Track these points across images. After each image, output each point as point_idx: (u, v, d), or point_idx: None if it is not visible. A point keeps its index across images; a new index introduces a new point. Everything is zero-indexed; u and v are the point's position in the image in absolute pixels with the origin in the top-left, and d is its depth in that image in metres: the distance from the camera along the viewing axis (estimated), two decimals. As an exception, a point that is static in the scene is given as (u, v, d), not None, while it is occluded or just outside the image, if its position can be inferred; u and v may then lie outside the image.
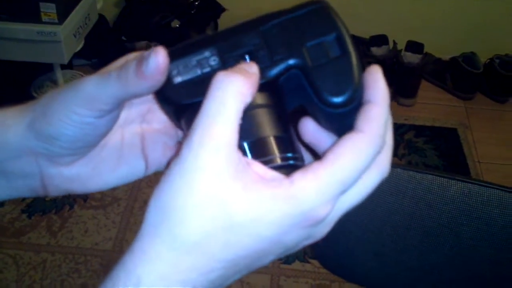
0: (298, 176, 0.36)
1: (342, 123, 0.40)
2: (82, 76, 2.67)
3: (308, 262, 1.97)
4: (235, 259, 0.36)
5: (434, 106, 2.71)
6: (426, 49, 2.75)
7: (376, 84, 0.39)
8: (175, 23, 2.68)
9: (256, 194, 0.35)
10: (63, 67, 2.60)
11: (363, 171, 0.37)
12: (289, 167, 0.39)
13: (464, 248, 0.95)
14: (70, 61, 2.58)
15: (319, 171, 0.36)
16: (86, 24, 2.48)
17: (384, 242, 0.99)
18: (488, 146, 2.52)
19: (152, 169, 0.49)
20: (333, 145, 0.37)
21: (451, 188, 0.93)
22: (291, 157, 0.40)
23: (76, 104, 0.41)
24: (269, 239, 0.36)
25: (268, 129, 0.40)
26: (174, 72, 0.40)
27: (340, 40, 0.40)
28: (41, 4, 2.19)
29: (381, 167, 0.39)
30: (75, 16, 2.35)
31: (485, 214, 0.92)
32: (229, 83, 0.37)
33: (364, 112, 0.38)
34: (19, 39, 2.25)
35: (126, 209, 2.12)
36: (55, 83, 2.60)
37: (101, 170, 0.47)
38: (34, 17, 2.21)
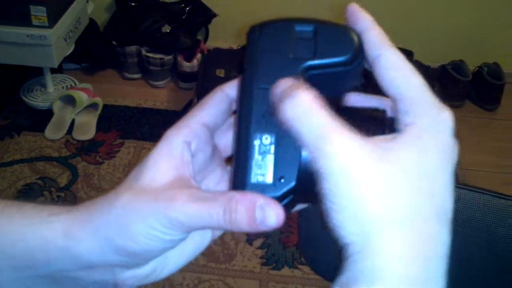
0: (407, 118, 0.38)
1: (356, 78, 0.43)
2: (72, 81, 2.66)
3: (297, 268, 1.97)
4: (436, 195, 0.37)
5: (423, 114, 2.71)
6: (415, 57, 2.76)
7: (357, 15, 0.41)
8: (166, 28, 2.69)
9: (402, 144, 0.37)
10: (53, 71, 2.60)
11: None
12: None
13: (452, 251, 0.96)
14: (60, 65, 2.58)
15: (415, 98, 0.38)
16: (76, 28, 2.48)
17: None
18: (476, 153, 2.53)
19: (217, 233, 0.48)
20: (385, 86, 0.39)
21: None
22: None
23: (163, 225, 0.39)
24: (439, 157, 0.37)
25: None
26: (260, 180, 0.41)
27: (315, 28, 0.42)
28: (31, 7, 2.19)
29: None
30: (66, 20, 2.34)
31: (474, 218, 0.93)
32: (298, 106, 0.38)
33: (368, 44, 0.40)
34: (8, 42, 2.24)
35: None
36: (44, 87, 2.60)
37: (172, 257, 0.45)
38: (25, 20, 2.21)
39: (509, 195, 0.93)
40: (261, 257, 1.99)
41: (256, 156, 0.40)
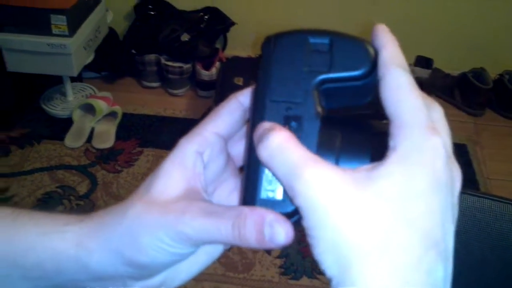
0: (392, 142, 0.36)
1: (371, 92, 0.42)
2: (91, 89, 2.68)
3: (316, 278, 1.96)
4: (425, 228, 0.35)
5: (443, 122, 2.69)
6: (435, 65, 2.75)
7: (381, 34, 0.40)
8: (185, 37, 2.69)
9: (384, 170, 0.35)
10: (72, 79, 2.61)
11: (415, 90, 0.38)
12: None
13: (475, 263, 0.94)
14: (80, 74, 2.59)
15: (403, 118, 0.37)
16: (96, 37, 2.50)
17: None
18: (497, 162, 2.50)
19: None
20: (383, 105, 0.38)
21: (463, 202, 0.92)
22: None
23: (172, 238, 0.39)
24: (429, 184, 0.35)
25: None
26: (270, 197, 0.40)
27: (331, 40, 0.41)
28: (51, 16, 2.20)
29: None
30: (86, 29, 2.36)
31: (496, 229, 0.91)
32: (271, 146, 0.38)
33: (380, 62, 0.39)
34: (29, 51, 2.26)
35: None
36: (64, 95, 2.61)
37: (183, 268, 0.45)
38: (45, 29, 2.23)
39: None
40: (280, 267, 1.98)
41: (267, 172, 0.40)
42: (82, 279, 0.43)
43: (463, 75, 2.75)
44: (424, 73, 2.69)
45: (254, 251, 2.02)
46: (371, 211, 0.34)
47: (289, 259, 2.00)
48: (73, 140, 2.44)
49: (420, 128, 0.36)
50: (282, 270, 1.97)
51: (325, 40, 0.41)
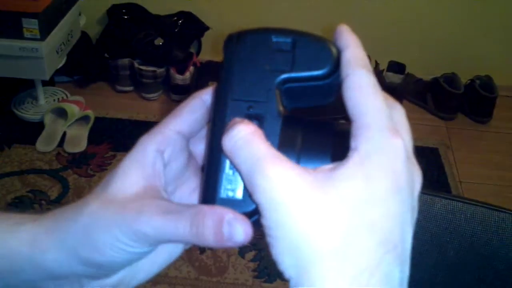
0: (354, 142, 0.36)
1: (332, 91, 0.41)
2: (63, 93, 2.65)
3: (290, 281, 1.96)
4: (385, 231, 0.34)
5: (416, 126, 2.70)
6: (407, 70, 2.77)
7: (343, 34, 0.40)
8: (159, 41, 2.69)
9: (344, 170, 0.35)
10: (44, 83, 2.59)
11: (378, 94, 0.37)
12: None
13: (448, 265, 0.95)
14: (52, 78, 2.57)
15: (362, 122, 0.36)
16: (68, 40, 2.48)
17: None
18: (469, 165, 2.53)
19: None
20: (345, 105, 0.38)
21: (435, 205, 0.93)
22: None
23: (129, 237, 0.39)
24: (389, 189, 0.35)
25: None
26: (230, 195, 0.40)
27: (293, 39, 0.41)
28: (23, 19, 2.18)
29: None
30: (58, 33, 2.34)
31: (469, 231, 0.92)
32: (236, 139, 0.37)
33: (343, 62, 0.39)
34: (0, 55, 2.23)
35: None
36: (36, 99, 2.58)
37: (142, 267, 0.44)
38: (16, 32, 2.20)
39: (502, 207, 0.93)
40: (254, 270, 1.98)
41: (227, 170, 0.40)
42: (37, 279, 0.42)
43: (435, 80, 2.79)
44: (397, 78, 2.71)
45: (228, 254, 2.01)
46: (332, 213, 0.34)
47: (263, 263, 2.00)
48: (44, 144, 2.41)
49: (381, 130, 0.36)
50: (256, 273, 1.97)
51: (288, 39, 0.41)
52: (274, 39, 0.41)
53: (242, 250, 2.03)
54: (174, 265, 1.95)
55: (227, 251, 2.02)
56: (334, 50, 0.40)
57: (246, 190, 0.38)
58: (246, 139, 0.37)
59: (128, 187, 0.41)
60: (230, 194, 0.40)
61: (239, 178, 0.39)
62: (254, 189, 0.36)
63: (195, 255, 2.00)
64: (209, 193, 0.40)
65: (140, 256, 0.41)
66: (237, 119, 0.39)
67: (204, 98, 0.45)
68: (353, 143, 0.36)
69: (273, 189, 0.35)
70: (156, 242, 0.40)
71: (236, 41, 0.41)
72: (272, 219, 0.35)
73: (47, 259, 0.40)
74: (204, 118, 0.45)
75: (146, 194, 0.40)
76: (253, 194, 0.36)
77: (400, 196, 0.35)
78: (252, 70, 0.41)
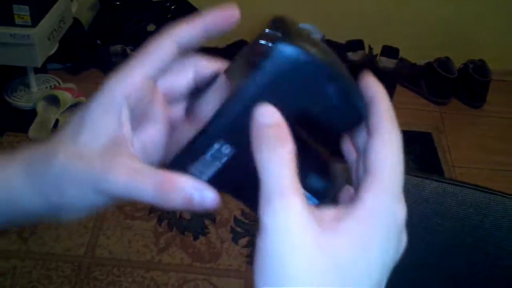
0: (364, 194, 0.37)
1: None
2: (56, 81, 2.64)
3: (284, 266, 1.96)
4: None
5: (409, 111, 2.72)
6: (401, 54, 2.77)
7: (373, 87, 0.42)
8: (151, 27, 2.67)
9: (345, 227, 0.37)
10: (36, 70, 2.57)
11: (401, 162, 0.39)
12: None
13: (439, 248, 0.95)
14: (44, 65, 2.55)
15: (377, 183, 0.38)
16: (60, 27, 2.46)
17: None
18: (462, 150, 2.54)
19: None
20: (367, 154, 0.39)
21: (426, 188, 0.93)
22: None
23: (95, 193, 0.41)
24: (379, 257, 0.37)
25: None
26: (197, 174, 0.40)
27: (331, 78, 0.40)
28: (14, 6, 2.16)
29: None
30: (49, 19, 2.32)
31: (460, 213, 0.92)
32: (274, 154, 0.37)
33: (376, 113, 0.40)
34: (-9, 42, 2.22)
35: (99, 214, 2.09)
36: (28, 87, 2.57)
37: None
38: (7, 19, 2.19)
39: (493, 189, 0.93)
40: (247, 256, 1.98)
41: (208, 156, 0.40)
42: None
43: (429, 65, 2.78)
44: (390, 63, 2.71)
45: (222, 240, 2.01)
46: (325, 263, 0.35)
47: (257, 249, 2.00)
48: (37, 131, 2.40)
49: (394, 195, 0.38)
50: (249, 259, 1.97)
51: (333, 85, 0.40)
52: (321, 77, 0.39)
53: (236, 236, 2.03)
54: (167, 251, 1.96)
55: (221, 237, 2.02)
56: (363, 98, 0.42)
57: (212, 179, 0.40)
58: (286, 158, 0.37)
59: (96, 139, 0.41)
60: (197, 174, 0.40)
61: (212, 168, 0.40)
62: (267, 205, 0.36)
63: (189, 241, 2.00)
64: (182, 163, 0.40)
65: (105, 206, 0.43)
66: (275, 114, 0.38)
67: (175, 38, 0.45)
68: (363, 193, 0.37)
69: (285, 221, 0.35)
70: (121, 199, 0.41)
71: (287, 59, 0.38)
72: (267, 241, 0.36)
73: (25, 201, 0.43)
74: (174, 56, 0.45)
75: (114, 146, 0.41)
76: (263, 207, 0.36)
77: (390, 255, 0.38)
78: (285, 93, 0.39)
